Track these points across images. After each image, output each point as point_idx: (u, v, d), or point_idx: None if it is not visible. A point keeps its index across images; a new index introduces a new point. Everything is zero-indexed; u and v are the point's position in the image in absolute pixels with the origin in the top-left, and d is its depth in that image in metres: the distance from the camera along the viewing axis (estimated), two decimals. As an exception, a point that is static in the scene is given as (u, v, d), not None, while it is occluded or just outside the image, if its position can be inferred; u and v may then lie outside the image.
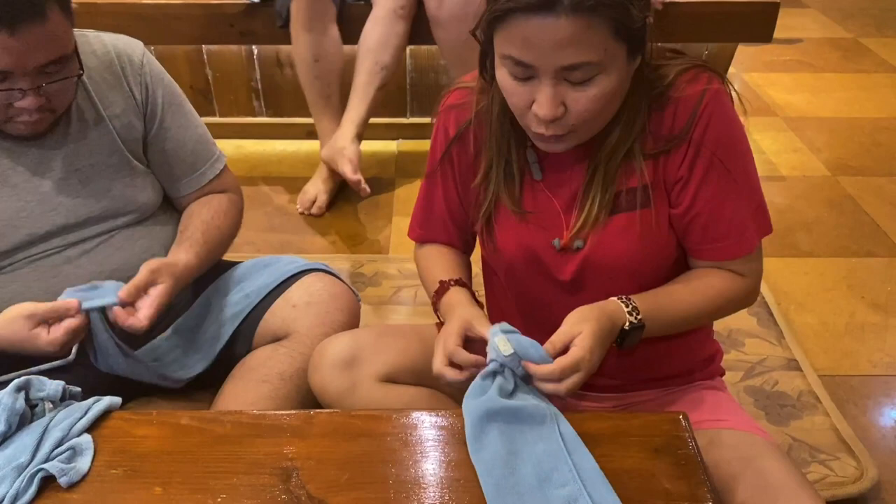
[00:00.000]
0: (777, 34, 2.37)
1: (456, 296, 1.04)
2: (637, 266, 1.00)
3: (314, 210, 2.29)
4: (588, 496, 0.78)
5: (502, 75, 0.90)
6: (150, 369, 1.15)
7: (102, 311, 1.05)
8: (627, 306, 0.95)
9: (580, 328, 0.90)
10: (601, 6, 0.81)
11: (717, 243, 0.99)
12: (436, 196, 1.13)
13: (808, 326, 1.80)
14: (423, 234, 1.17)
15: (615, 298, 0.96)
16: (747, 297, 1.04)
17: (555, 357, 0.89)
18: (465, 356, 0.93)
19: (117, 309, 1.04)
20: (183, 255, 1.17)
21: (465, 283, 1.07)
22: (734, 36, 2.42)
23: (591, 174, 0.97)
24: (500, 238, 1.04)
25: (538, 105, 0.87)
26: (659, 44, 0.94)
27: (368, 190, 2.18)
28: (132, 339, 1.11)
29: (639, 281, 1.01)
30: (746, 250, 1.00)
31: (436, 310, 1.08)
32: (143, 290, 1.08)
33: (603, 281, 1.01)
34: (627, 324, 0.94)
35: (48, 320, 1.02)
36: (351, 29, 2.26)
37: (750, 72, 3.23)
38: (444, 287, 1.06)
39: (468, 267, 1.17)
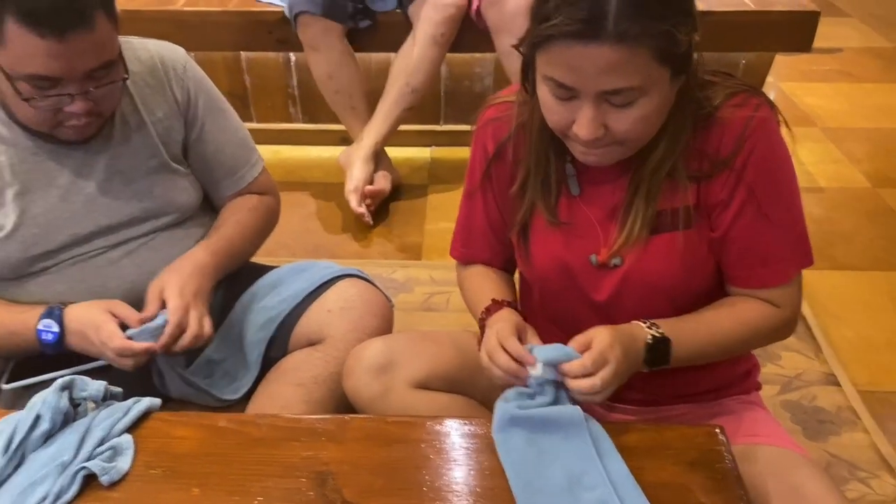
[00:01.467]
0: (816, 43, 2.34)
1: (506, 313, 1.02)
2: (676, 288, 0.99)
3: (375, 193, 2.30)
4: (619, 500, 0.78)
5: (543, 93, 0.89)
6: (197, 389, 1.17)
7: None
8: (645, 323, 0.94)
9: (596, 331, 0.90)
10: (645, 35, 0.80)
11: (753, 270, 0.98)
12: (476, 212, 1.11)
13: (846, 340, 1.77)
14: (465, 252, 1.16)
15: (639, 322, 0.95)
16: (783, 329, 1.02)
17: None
18: (515, 344, 0.91)
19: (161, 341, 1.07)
20: (192, 250, 1.19)
21: (514, 306, 1.06)
22: (773, 45, 2.39)
23: (633, 190, 0.96)
24: (534, 249, 1.04)
25: (578, 126, 0.87)
26: (706, 58, 0.93)
27: (371, 222, 2.24)
28: (186, 355, 1.14)
29: (676, 304, 1.00)
30: (781, 280, 0.98)
31: (483, 328, 1.06)
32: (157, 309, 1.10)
33: (639, 302, 1.00)
34: (649, 337, 0.93)
35: (122, 324, 1.06)
36: (362, 39, 2.29)
37: (787, 81, 3.19)
38: (496, 306, 1.03)
39: (514, 288, 1.15)
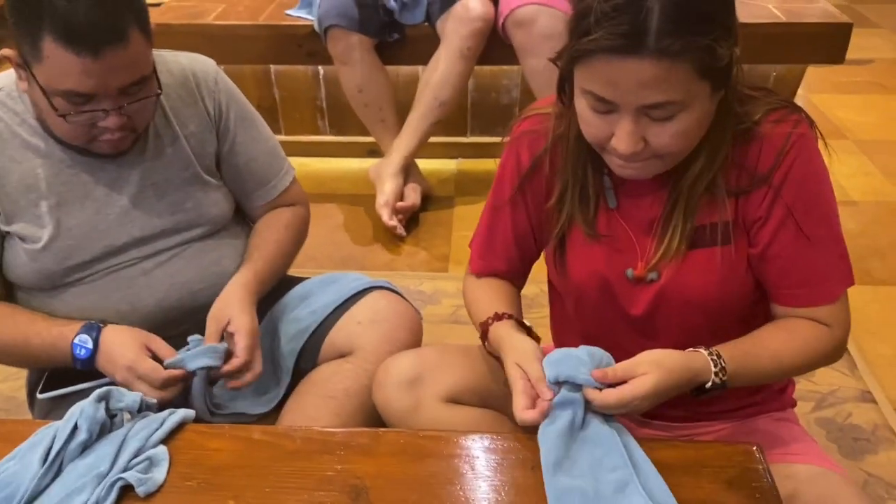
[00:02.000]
0: (847, 55, 2.32)
1: (503, 328, 1.02)
2: (713, 304, 0.98)
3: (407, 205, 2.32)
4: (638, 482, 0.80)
5: (581, 106, 0.89)
6: (230, 417, 1.18)
7: (205, 370, 1.10)
8: (716, 365, 0.90)
9: (646, 370, 0.87)
10: (687, 50, 0.79)
11: (797, 289, 0.96)
12: (502, 225, 1.10)
13: (882, 357, 1.74)
14: (483, 264, 1.15)
15: (705, 352, 0.91)
16: (835, 351, 0.99)
17: (610, 384, 0.87)
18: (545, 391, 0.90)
19: (224, 369, 1.10)
20: (243, 276, 1.20)
21: (515, 317, 1.05)
22: (805, 57, 2.38)
23: (672, 203, 0.96)
24: (571, 263, 1.03)
25: (617, 140, 0.86)
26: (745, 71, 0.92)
27: (404, 233, 2.25)
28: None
29: (712, 319, 0.99)
30: (828, 299, 0.96)
31: (483, 340, 1.06)
32: (220, 335, 1.13)
33: (676, 318, 0.99)
34: (710, 383, 0.90)
35: (157, 356, 1.08)
36: (391, 52, 2.31)
37: (819, 93, 3.16)
38: (497, 318, 1.04)
39: (519, 302, 1.14)
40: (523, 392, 0.90)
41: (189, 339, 1.12)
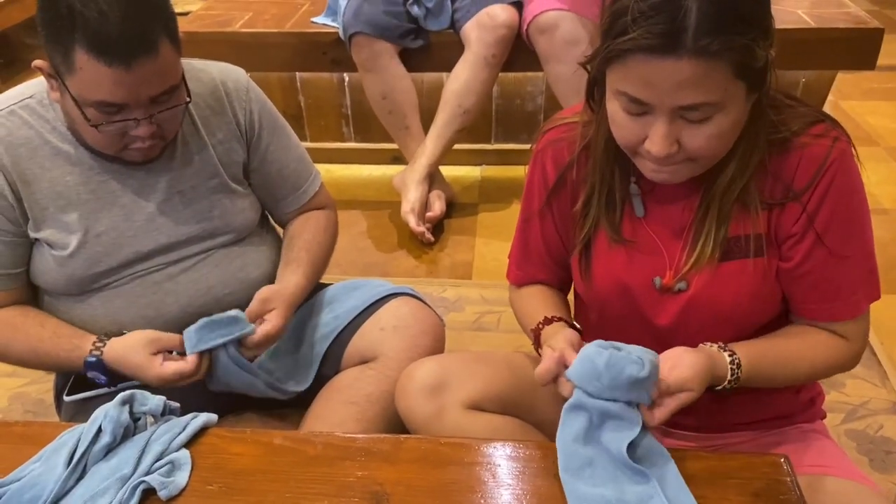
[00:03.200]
0: (878, 61, 2.28)
1: (553, 328, 1.02)
2: (742, 317, 0.97)
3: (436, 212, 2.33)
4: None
5: (614, 109, 0.88)
6: (264, 382, 1.19)
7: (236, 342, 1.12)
8: (733, 374, 0.92)
9: (692, 386, 0.87)
10: (725, 50, 0.78)
11: (825, 304, 0.95)
12: (533, 236, 1.10)
13: (911, 368, 1.70)
14: (521, 274, 1.15)
15: (724, 352, 0.92)
16: (850, 361, 1.00)
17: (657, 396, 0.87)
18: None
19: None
20: (292, 276, 1.22)
21: (565, 319, 1.06)
22: (835, 63, 2.34)
23: (703, 211, 0.94)
24: (596, 270, 1.02)
25: (651, 142, 0.85)
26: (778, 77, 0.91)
27: (432, 239, 2.26)
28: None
29: (739, 331, 0.98)
30: (853, 314, 0.96)
31: (537, 345, 1.06)
32: (258, 318, 1.15)
33: (702, 329, 0.98)
34: (727, 383, 0.92)
35: (169, 350, 1.10)
36: (416, 59, 2.31)
37: (849, 100, 3.11)
38: (546, 322, 1.04)
39: (567, 306, 1.14)
40: (550, 359, 0.89)
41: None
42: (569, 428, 0.85)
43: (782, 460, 0.86)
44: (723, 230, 0.93)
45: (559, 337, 0.94)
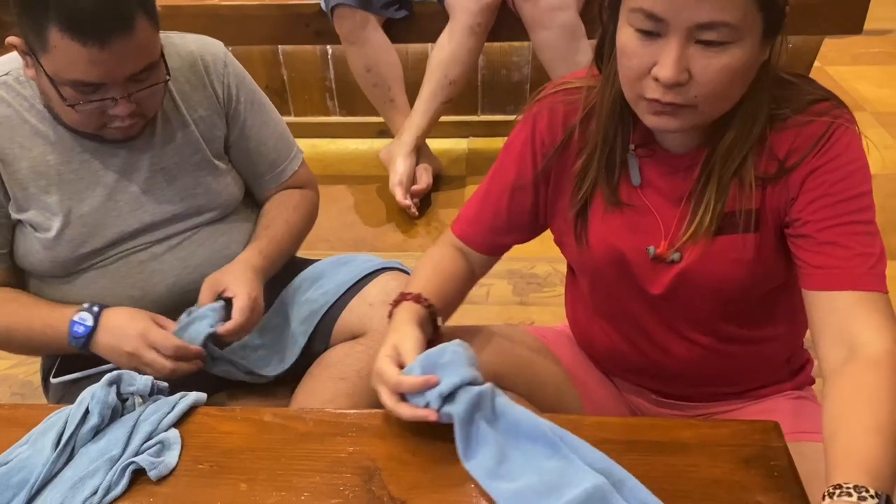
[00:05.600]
0: (865, 25, 2.27)
1: (405, 313, 0.96)
2: (734, 291, 0.96)
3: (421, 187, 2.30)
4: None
5: (626, 36, 0.84)
6: (240, 367, 1.18)
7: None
8: (852, 495, 0.70)
9: None
10: None
11: (831, 270, 0.87)
12: (498, 193, 1.06)
13: (901, 332, 1.71)
14: (464, 229, 1.10)
15: (826, 501, 0.71)
16: None
17: None
18: (409, 382, 0.85)
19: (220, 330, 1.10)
20: (246, 254, 1.20)
21: (429, 302, 0.99)
22: (821, 28, 2.32)
23: (703, 181, 0.92)
24: (592, 236, 1.00)
25: (661, 66, 0.81)
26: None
27: (417, 213, 2.25)
28: (221, 342, 1.14)
29: (731, 303, 0.97)
30: (865, 284, 0.85)
31: (392, 306, 1.01)
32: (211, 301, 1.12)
33: (694, 300, 0.97)
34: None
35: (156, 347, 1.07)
36: (399, 30, 2.28)
37: (836, 65, 3.11)
38: (401, 297, 1.00)
39: (462, 287, 1.09)
40: (388, 386, 0.86)
41: (186, 311, 1.12)
42: (462, 436, 0.83)
43: (772, 426, 0.86)
44: (721, 203, 0.91)
45: (388, 346, 0.91)
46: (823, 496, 0.71)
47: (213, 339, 1.10)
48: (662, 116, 0.86)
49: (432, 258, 1.09)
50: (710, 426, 0.88)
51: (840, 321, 0.85)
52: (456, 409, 0.82)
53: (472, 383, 0.84)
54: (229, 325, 1.09)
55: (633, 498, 0.76)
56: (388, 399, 0.86)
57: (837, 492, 0.70)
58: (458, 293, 1.09)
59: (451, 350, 0.87)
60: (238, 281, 1.13)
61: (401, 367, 0.88)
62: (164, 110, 1.16)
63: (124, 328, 1.07)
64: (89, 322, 1.08)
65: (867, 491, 0.69)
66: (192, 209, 1.19)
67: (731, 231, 0.92)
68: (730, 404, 1.09)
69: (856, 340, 0.82)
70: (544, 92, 1.03)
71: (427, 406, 0.83)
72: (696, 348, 1.03)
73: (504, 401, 0.85)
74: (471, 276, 1.11)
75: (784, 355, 1.09)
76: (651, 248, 0.97)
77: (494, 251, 1.11)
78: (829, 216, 0.88)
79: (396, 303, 0.99)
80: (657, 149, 0.95)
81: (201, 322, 1.09)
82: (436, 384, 0.83)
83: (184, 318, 1.11)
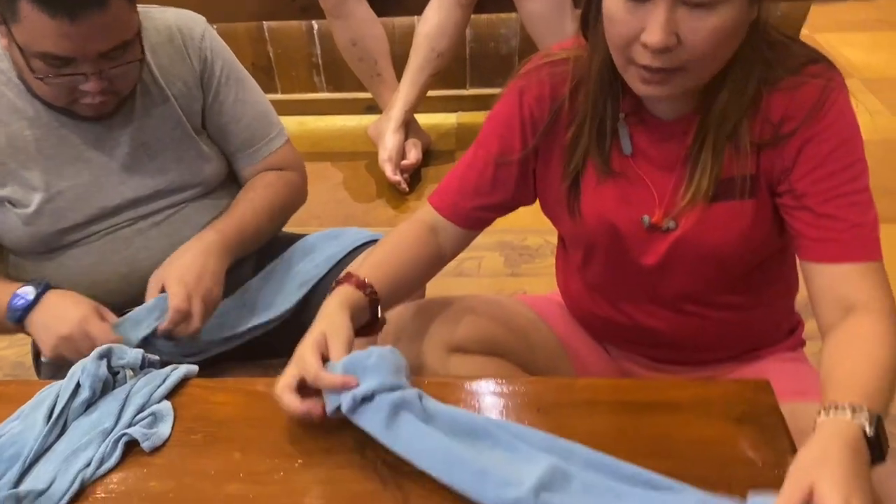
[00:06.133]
0: (854, -10, 2.26)
1: (341, 298, 0.92)
2: (730, 258, 0.95)
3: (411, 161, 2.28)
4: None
5: (612, 2, 0.83)
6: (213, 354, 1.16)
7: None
8: (846, 410, 0.72)
9: (809, 480, 0.67)
10: None
11: (829, 243, 0.87)
12: (481, 165, 1.04)
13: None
14: (442, 200, 1.07)
15: (821, 417, 0.73)
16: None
17: None
18: (329, 380, 0.81)
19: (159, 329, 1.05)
20: (201, 234, 1.16)
21: (372, 289, 0.95)
22: (809, -7, 2.32)
23: (699, 145, 0.90)
24: (584, 207, 0.99)
25: (649, 32, 0.80)
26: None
27: (407, 189, 2.23)
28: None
29: (725, 271, 0.96)
30: (864, 255, 0.86)
31: (334, 284, 0.96)
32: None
33: (688, 268, 0.97)
34: (867, 425, 0.71)
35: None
36: (385, 3, 2.26)
37: (823, 32, 3.09)
38: (345, 278, 0.95)
39: (421, 270, 1.06)
40: (298, 368, 0.84)
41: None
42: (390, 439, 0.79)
43: (764, 384, 0.87)
44: (717, 166, 0.90)
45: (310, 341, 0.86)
46: (819, 413, 0.73)
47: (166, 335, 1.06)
48: (653, 83, 0.85)
49: (394, 238, 1.05)
50: (700, 386, 0.89)
51: (838, 290, 0.87)
52: (371, 415, 0.78)
53: (393, 389, 0.80)
54: (164, 325, 1.04)
55: (586, 464, 0.76)
56: (283, 384, 0.82)
57: (832, 408, 0.72)
58: (415, 278, 1.06)
59: (378, 354, 0.83)
60: (172, 271, 1.08)
61: (325, 359, 0.84)
62: (144, 84, 1.15)
63: (65, 311, 1.04)
64: (31, 296, 1.05)
65: (861, 408, 0.71)
66: (176, 185, 1.18)
67: (727, 198, 0.92)
68: (723, 367, 1.10)
69: (852, 304, 0.85)
70: (530, 64, 1.01)
71: (338, 408, 0.80)
72: (688, 317, 1.03)
73: (434, 403, 0.82)
74: (437, 259, 1.08)
75: (776, 319, 1.09)
76: (646, 217, 0.96)
77: (473, 225, 1.08)
78: (826, 189, 0.87)
79: (339, 282, 0.95)
80: (648, 116, 0.94)
81: (136, 327, 1.05)
82: (354, 386, 0.80)
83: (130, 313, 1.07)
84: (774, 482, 0.69)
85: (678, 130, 0.93)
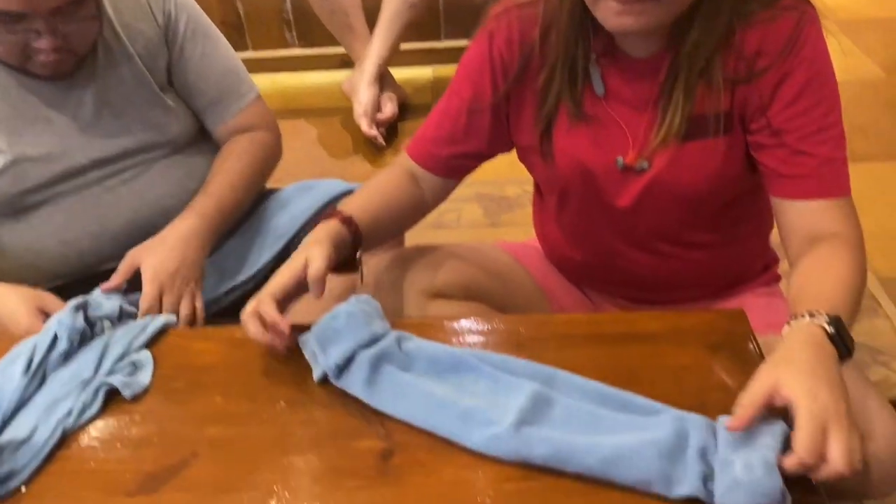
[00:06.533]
0: (827, -70, 2.25)
1: (324, 230, 0.91)
2: (702, 197, 0.95)
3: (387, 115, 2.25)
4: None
5: None
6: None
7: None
8: (805, 317, 0.75)
9: (774, 376, 0.68)
10: None
11: (801, 179, 0.88)
12: (455, 112, 1.03)
13: (866, 231, 1.72)
14: (419, 148, 1.06)
15: (785, 329, 0.76)
16: (865, 262, 0.87)
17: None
18: (270, 314, 0.82)
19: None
20: (181, 219, 1.13)
21: (356, 228, 0.95)
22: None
23: (671, 82, 0.90)
24: (557, 153, 0.99)
25: None
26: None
27: (384, 143, 2.20)
28: None
29: (696, 211, 0.97)
30: (835, 192, 0.88)
31: (322, 218, 0.96)
32: (129, 275, 1.04)
33: (660, 208, 0.97)
34: (827, 324, 0.73)
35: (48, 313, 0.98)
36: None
37: (798, -26, 3.08)
38: (332, 214, 0.94)
39: (405, 212, 1.06)
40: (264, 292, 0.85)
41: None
42: (377, 399, 0.80)
43: (738, 314, 0.88)
44: (689, 104, 0.90)
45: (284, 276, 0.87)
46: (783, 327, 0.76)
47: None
48: (625, 16, 0.84)
49: (378, 180, 1.05)
50: (676, 317, 0.90)
51: (808, 225, 0.89)
52: (354, 376, 0.79)
53: (372, 341, 0.81)
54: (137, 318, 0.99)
55: (568, 387, 0.77)
56: (251, 310, 0.83)
57: (794, 319, 0.75)
58: (398, 220, 1.06)
59: (346, 312, 0.83)
60: (149, 260, 1.05)
61: (300, 284, 0.85)
62: (106, 42, 1.12)
63: (6, 324, 0.98)
64: None
65: (819, 312, 0.74)
66: (143, 143, 1.16)
67: (700, 136, 0.92)
68: (699, 305, 1.11)
69: (822, 236, 0.87)
70: (499, 7, 1.00)
71: (325, 375, 0.81)
72: (663, 257, 1.04)
73: (414, 344, 0.83)
74: (419, 204, 1.07)
75: (751, 256, 1.10)
76: (619, 159, 0.96)
77: (451, 173, 1.07)
78: (801, 125, 0.88)
79: (326, 217, 0.95)
80: (620, 55, 0.94)
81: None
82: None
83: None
84: (749, 404, 0.70)
85: (650, 69, 0.92)
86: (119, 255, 1.14)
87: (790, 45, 0.86)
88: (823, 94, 0.88)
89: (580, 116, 0.96)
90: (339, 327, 0.82)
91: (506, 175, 1.98)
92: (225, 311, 1.22)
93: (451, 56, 2.59)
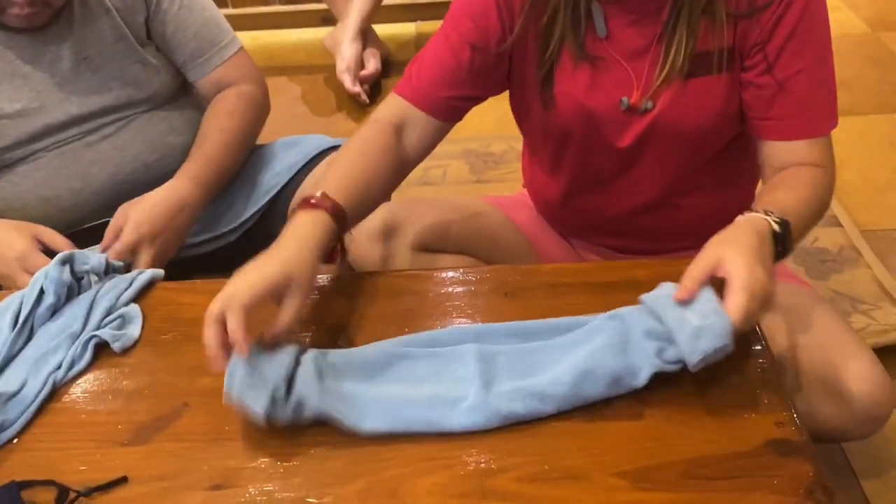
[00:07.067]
0: None
1: (309, 228, 0.82)
2: (705, 135, 0.96)
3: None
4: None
5: None
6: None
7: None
8: (765, 213, 0.80)
9: (718, 253, 0.75)
10: None
11: (788, 118, 0.91)
12: (455, 45, 0.98)
13: (848, 183, 1.76)
14: (417, 88, 0.99)
15: (742, 214, 0.81)
16: (832, 190, 0.94)
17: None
18: (233, 328, 0.72)
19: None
20: (175, 182, 1.11)
21: (343, 214, 0.85)
22: None
23: (673, 21, 0.89)
24: (559, 96, 0.97)
25: None
26: None
27: (367, 101, 2.18)
28: None
29: (698, 150, 0.97)
30: (820, 131, 0.92)
31: (300, 205, 0.86)
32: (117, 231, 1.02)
33: (663, 149, 0.97)
34: (775, 223, 0.79)
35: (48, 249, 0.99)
36: None
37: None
38: (319, 202, 0.84)
39: (386, 182, 0.98)
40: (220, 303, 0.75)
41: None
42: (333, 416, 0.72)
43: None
44: (692, 41, 0.90)
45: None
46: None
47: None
48: None
49: (357, 147, 0.96)
50: (662, 265, 0.90)
51: (786, 160, 0.93)
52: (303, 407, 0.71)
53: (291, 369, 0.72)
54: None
55: (501, 336, 0.77)
56: (216, 310, 0.75)
57: (749, 212, 0.81)
58: (381, 191, 0.98)
59: (241, 373, 0.71)
60: (134, 214, 1.03)
61: (274, 294, 0.76)
62: None
63: (1, 249, 0.98)
64: None
65: (771, 212, 0.79)
66: (123, 100, 1.15)
67: (704, 73, 0.92)
68: (689, 255, 1.12)
69: (798, 164, 0.92)
70: None
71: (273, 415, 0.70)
72: (657, 204, 1.04)
73: (336, 356, 0.76)
74: (402, 166, 1.00)
75: (739, 206, 1.11)
76: (624, 99, 0.95)
77: (449, 116, 1.01)
78: (794, 60, 0.89)
79: (313, 204, 0.83)
80: None
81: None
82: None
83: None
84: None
85: (652, 8, 0.92)
86: (101, 212, 1.13)
87: None
88: (819, 32, 0.90)
89: (583, 57, 0.95)
90: (245, 378, 0.71)
91: (492, 131, 1.98)
92: (205, 261, 1.22)
93: (434, 12, 2.56)
